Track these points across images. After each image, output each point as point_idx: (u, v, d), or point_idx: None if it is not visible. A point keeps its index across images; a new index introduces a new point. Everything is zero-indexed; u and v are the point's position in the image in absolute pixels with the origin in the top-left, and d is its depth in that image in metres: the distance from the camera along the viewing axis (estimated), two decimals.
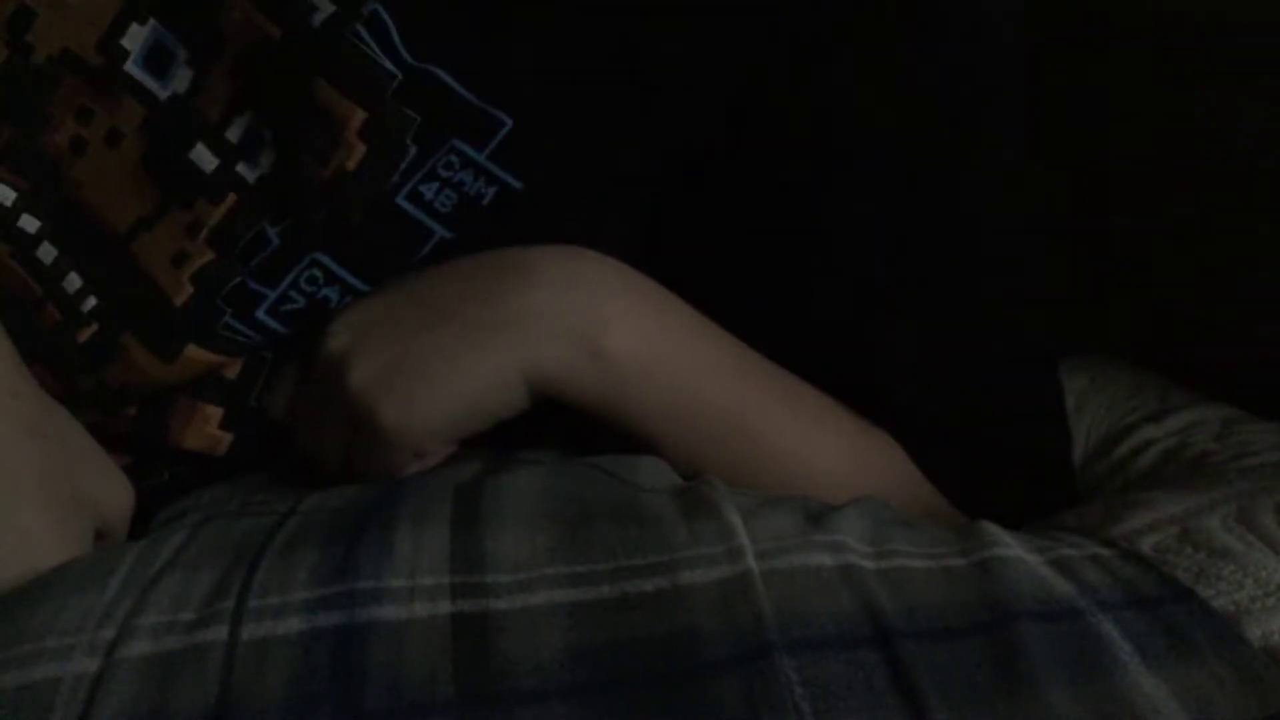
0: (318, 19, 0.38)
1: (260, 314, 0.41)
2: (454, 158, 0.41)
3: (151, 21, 0.39)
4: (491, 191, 0.41)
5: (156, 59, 0.40)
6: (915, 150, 0.43)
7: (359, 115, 0.39)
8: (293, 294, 0.41)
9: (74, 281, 0.40)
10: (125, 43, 0.39)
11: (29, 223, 0.40)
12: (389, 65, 0.39)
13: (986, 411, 0.46)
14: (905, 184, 0.44)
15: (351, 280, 0.41)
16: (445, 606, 0.31)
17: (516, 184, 0.41)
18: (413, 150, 0.40)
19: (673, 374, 0.41)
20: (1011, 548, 0.33)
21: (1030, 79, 0.45)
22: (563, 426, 0.41)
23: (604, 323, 0.40)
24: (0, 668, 0.30)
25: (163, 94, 0.40)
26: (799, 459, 0.42)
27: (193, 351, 0.41)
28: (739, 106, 0.43)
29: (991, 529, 0.35)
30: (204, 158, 0.40)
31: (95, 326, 0.41)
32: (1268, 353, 0.54)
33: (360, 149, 0.39)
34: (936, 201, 0.44)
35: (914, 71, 0.43)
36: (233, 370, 0.42)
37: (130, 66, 0.39)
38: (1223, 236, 0.57)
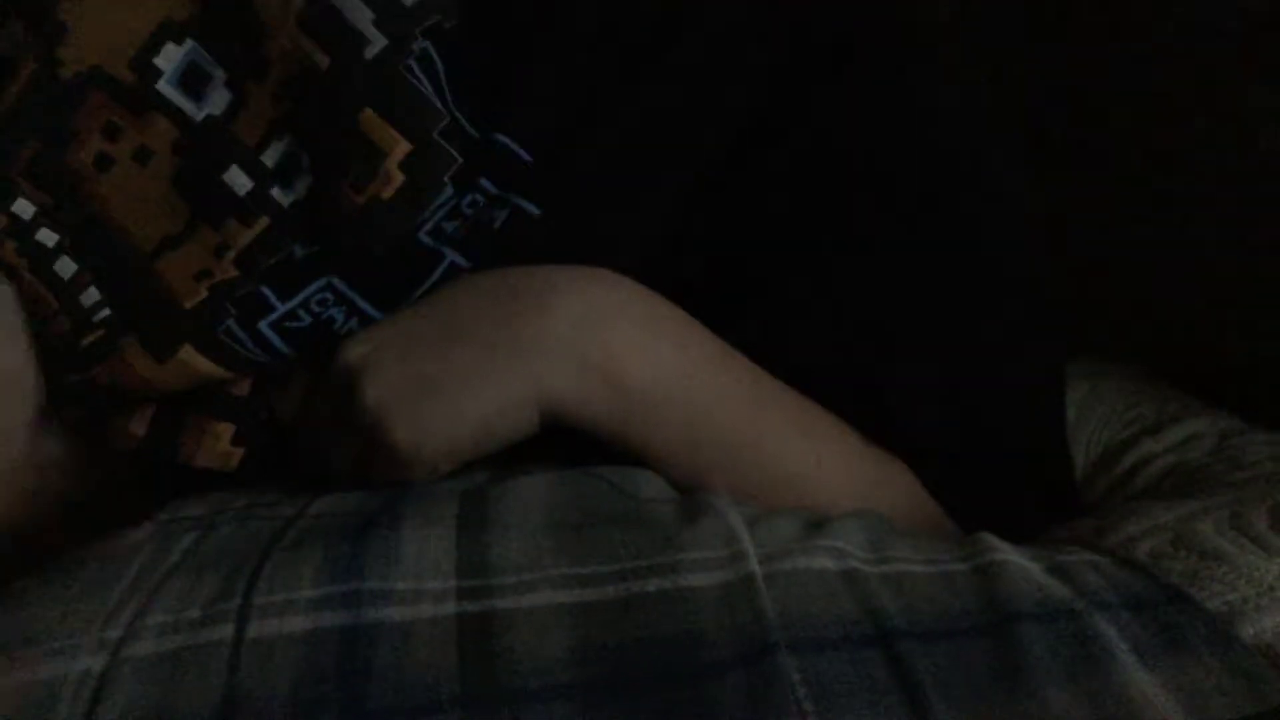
0: (370, 51, 0.39)
1: (263, 326, 0.41)
2: (479, 196, 0.41)
3: (189, 42, 0.39)
4: (503, 215, 0.41)
5: (192, 79, 0.40)
6: (918, 181, 0.44)
7: (403, 147, 0.39)
8: (300, 312, 0.41)
9: (92, 295, 0.40)
10: (159, 62, 0.39)
11: (47, 236, 0.40)
12: (438, 104, 0.39)
13: (995, 438, 0.46)
14: (911, 215, 0.44)
15: (361, 303, 0.41)
16: (450, 607, 0.32)
17: (533, 210, 0.42)
18: (449, 190, 0.40)
19: (689, 403, 0.41)
20: (1010, 554, 0.34)
21: (1028, 83, 0.46)
22: (566, 442, 0.41)
23: (621, 353, 0.41)
24: (4, 668, 0.30)
25: (198, 115, 0.40)
26: (811, 486, 0.42)
27: (188, 354, 0.40)
28: (750, 140, 0.44)
29: (990, 538, 0.35)
30: (238, 180, 0.40)
31: (101, 332, 0.41)
32: (1267, 352, 0.54)
33: (398, 180, 0.39)
34: (943, 230, 0.45)
35: (917, 102, 0.44)
36: (242, 388, 0.42)
37: (163, 86, 0.39)
38: (1223, 236, 0.58)
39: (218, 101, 0.40)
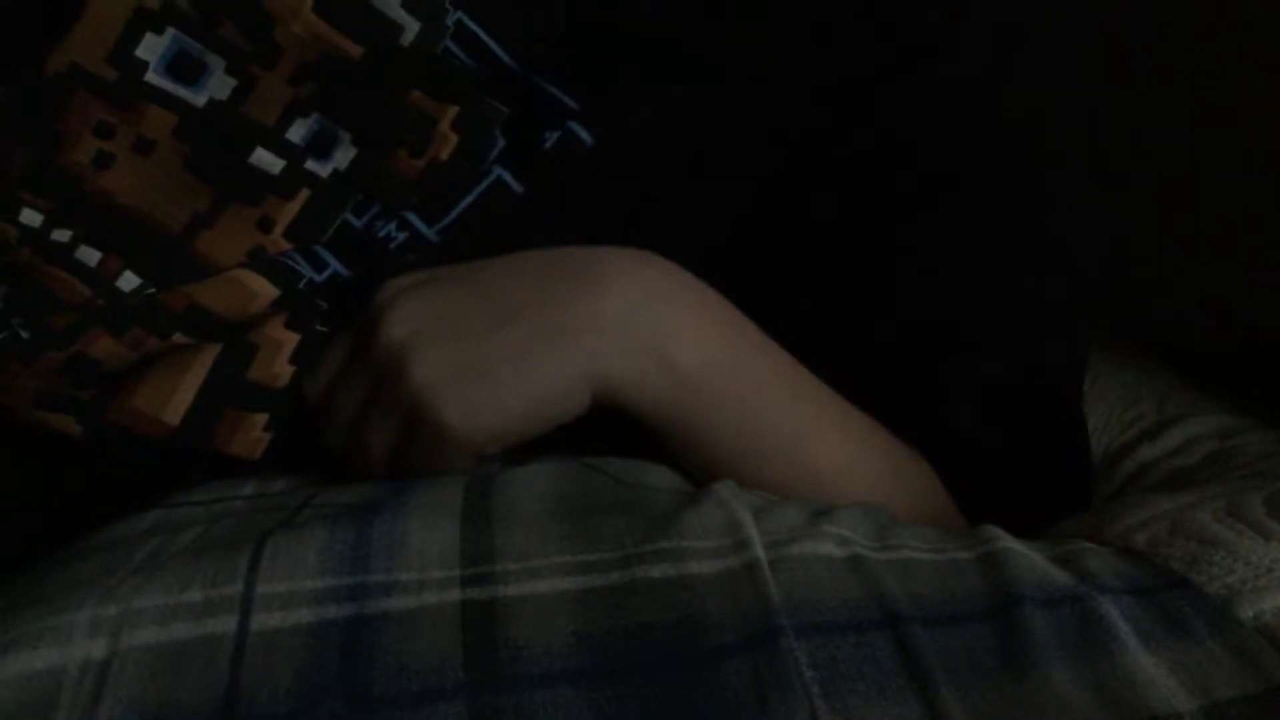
0: (406, 38, 0.39)
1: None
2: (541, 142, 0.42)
3: (170, 30, 0.38)
4: (554, 136, 0.41)
5: (183, 67, 0.39)
6: (983, 184, 0.45)
7: (452, 110, 0.39)
8: (350, 218, 0.41)
9: (130, 280, 0.40)
10: (142, 54, 0.38)
11: (61, 235, 0.39)
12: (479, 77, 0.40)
13: (1028, 440, 0.46)
14: (973, 217, 0.45)
15: (411, 217, 0.41)
16: (454, 594, 0.32)
17: (586, 137, 0.42)
18: (501, 142, 0.41)
19: (738, 391, 0.41)
20: (1013, 543, 0.34)
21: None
22: (571, 435, 0.41)
23: (674, 336, 0.41)
24: (4, 652, 0.30)
25: (197, 101, 0.39)
26: (844, 481, 0.42)
27: (237, 271, 0.40)
28: (810, 137, 0.44)
29: (993, 529, 0.36)
30: (266, 160, 0.40)
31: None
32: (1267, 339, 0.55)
33: (453, 139, 0.40)
34: (1003, 230, 0.45)
35: (980, 106, 0.44)
36: (284, 379, 0.41)
37: (153, 77, 0.39)
38: (1222, 231, 0.59)
39: (220, 87, 0.39)
